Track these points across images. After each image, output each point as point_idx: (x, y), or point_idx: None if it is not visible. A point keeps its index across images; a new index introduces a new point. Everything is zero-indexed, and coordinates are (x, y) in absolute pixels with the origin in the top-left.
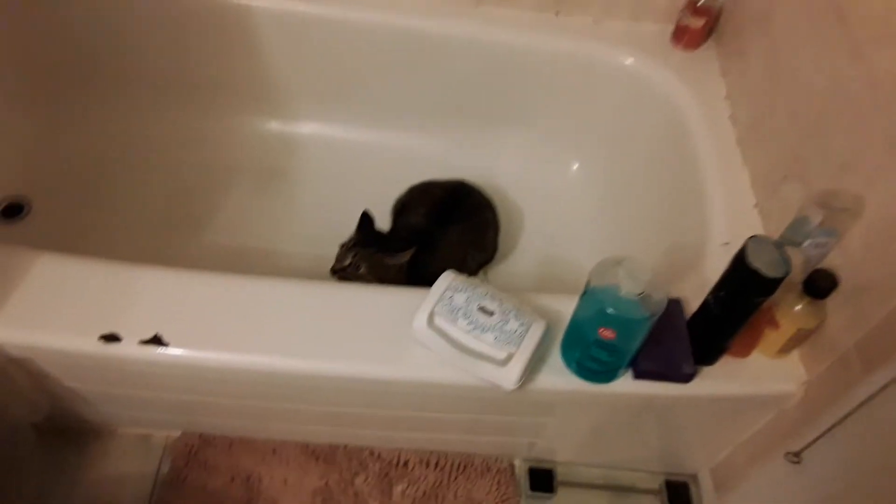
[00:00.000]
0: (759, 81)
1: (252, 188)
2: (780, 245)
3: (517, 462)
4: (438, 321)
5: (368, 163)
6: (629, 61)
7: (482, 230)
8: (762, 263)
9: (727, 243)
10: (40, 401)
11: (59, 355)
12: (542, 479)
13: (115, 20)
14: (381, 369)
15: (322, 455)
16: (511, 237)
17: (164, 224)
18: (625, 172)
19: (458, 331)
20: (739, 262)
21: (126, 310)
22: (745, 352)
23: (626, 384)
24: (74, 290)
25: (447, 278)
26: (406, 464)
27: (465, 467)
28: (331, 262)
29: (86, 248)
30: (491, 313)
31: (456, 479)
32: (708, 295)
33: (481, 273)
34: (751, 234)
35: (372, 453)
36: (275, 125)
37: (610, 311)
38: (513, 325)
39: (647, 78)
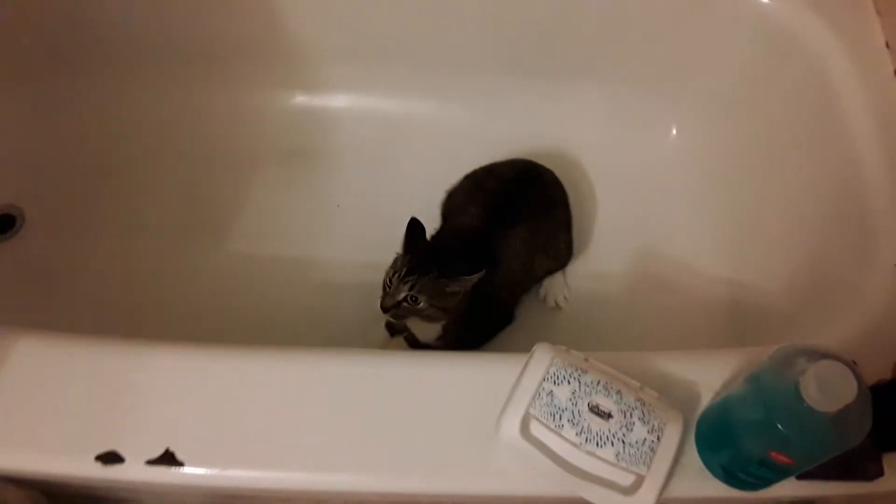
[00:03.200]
0: None
1: (280, 179)
2: None
3: None
4: (536, 429)
5: (416, 139)
6: None
7: (553, 233)
8: None
9: None
10: None
11: (50, 478)
12: None
13: None
14: (457, 484)
15: None
16: (593, 224)
17: (179, 230)
18: (742, 144)
19: (564, 444)
20: None
21: (128, 413)
22: None
23: (787, 485)
24: (62, 388)
25: (543, 360)
26: None
27: None
28: (379, 269)
29: (89, 269)
30: (607, 415)
31: None
32: None
33: (559, 275)
34: None
35: None
36: (301, 98)
37: (785, 430)
38: (639, 432)
39: (778, 18)
